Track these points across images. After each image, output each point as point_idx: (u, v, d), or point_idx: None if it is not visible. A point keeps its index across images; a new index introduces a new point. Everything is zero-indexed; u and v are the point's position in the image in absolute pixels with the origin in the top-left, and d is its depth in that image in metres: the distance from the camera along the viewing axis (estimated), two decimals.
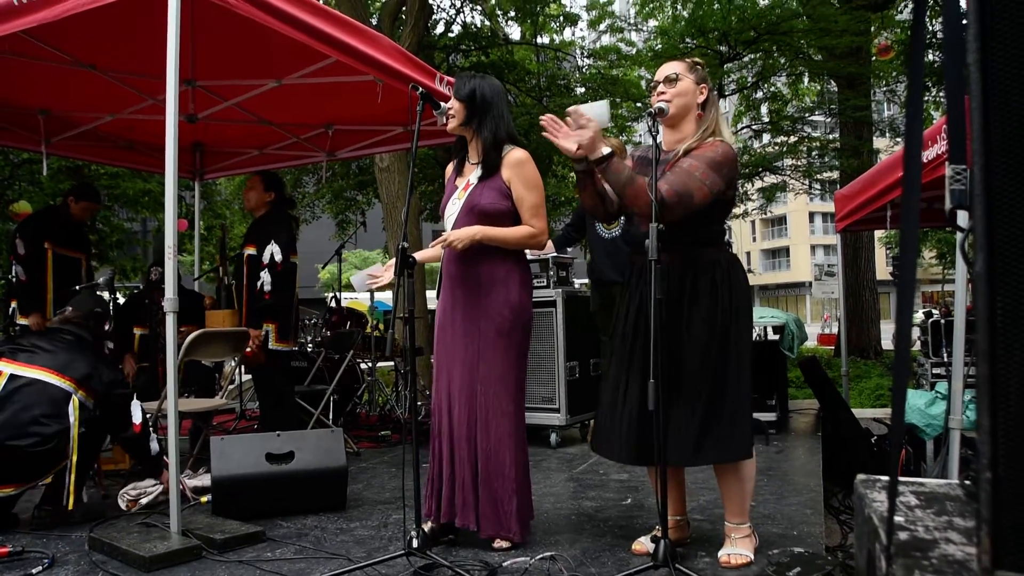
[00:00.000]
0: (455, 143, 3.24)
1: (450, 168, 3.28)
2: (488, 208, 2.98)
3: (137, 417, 3.64)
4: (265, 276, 4.59)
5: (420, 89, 2.91)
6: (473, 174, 3.09)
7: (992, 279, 1.02)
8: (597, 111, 2.64)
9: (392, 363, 6.97)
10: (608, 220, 2.91)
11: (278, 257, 4.59)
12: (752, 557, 2.68)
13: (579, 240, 6.77)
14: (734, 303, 2.68)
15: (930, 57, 12.97)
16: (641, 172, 2.68)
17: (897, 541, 1.23)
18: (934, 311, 5.96)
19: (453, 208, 3.08)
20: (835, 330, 19.29)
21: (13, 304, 5.09)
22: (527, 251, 3.21)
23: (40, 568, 2.83)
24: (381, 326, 6.81)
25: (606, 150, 2.58)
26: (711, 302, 2.66)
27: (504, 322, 2.97)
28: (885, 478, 1.65)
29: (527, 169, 3.02)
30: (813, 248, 50.31)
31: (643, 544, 2.84)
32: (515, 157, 3.03)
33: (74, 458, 3.30)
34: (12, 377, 3.33)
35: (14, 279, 5.11)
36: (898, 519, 1.35)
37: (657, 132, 2.60)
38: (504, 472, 2.94)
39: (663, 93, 2.72)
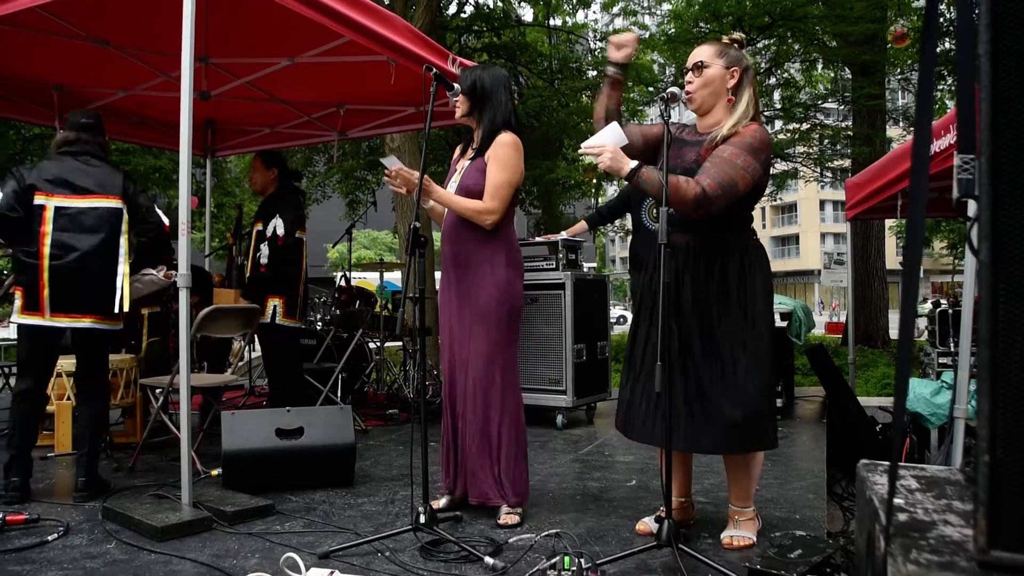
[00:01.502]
0: (464, 128, 3.35)
1: (457, 152, 3.39)
2: (472, 187, 3.09)
3: (165, 219, 3.89)
4: (264, 249, 4.63)
5: (434, 70, 2.93)
6: (468, 159, 3.22)
7: (995, 267, 1.04)
8: (607, 137, 2.69)
9: (400, 343, 7.02)
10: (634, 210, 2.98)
11: (280, 231, 4.62)
12: (755, 539, 2.71)
13: (610, 222, 6.86)
14: (760, 289, 2.69)
15: (946, 45, 12.85)
16: (675, 155, 2.69)
17: (896, 522, 1.26)
18: (942, 301, 5.96)
19: (450, 190, 3.18)
20: (843, 319, 19.28)
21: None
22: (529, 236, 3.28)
23: (55, 536, 2.89)
24: (390, 305, 6.84)
25: (632, 165, 2.61)
26: (738, 286, 2.67)
27: (490, 300, 3.06)
28: (886, 463, 1.68)
29: (505, 150, 3.08)
30: (823, 236, 50.05)
31: (647, 524, 2.88)
32: (500, 139, 3.11)
33: (125, 268, 3.56)
34: (58, 209, 3.49)
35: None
36: (898, 501, 1.37)
37: (669, 116, 2.60)
38: (492, 442, 3.07)
39: (690, 83, 2.72)
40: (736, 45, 2.78)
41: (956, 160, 1.21)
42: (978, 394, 1.07)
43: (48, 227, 3.45)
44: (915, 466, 1.64)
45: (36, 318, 3.43)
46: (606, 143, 2.63)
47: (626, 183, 2.77)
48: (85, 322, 3.48)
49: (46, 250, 3.43)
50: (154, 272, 4.18)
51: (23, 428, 3.46)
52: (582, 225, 5.87)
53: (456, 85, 3.11)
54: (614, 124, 2.74)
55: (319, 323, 6.30)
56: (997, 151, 1.02)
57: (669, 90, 2.68)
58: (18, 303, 3.45)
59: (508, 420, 3.09)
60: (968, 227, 1.24)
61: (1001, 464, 1.03)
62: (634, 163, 2.61)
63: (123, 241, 3.58)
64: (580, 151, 2.69)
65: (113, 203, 3.58)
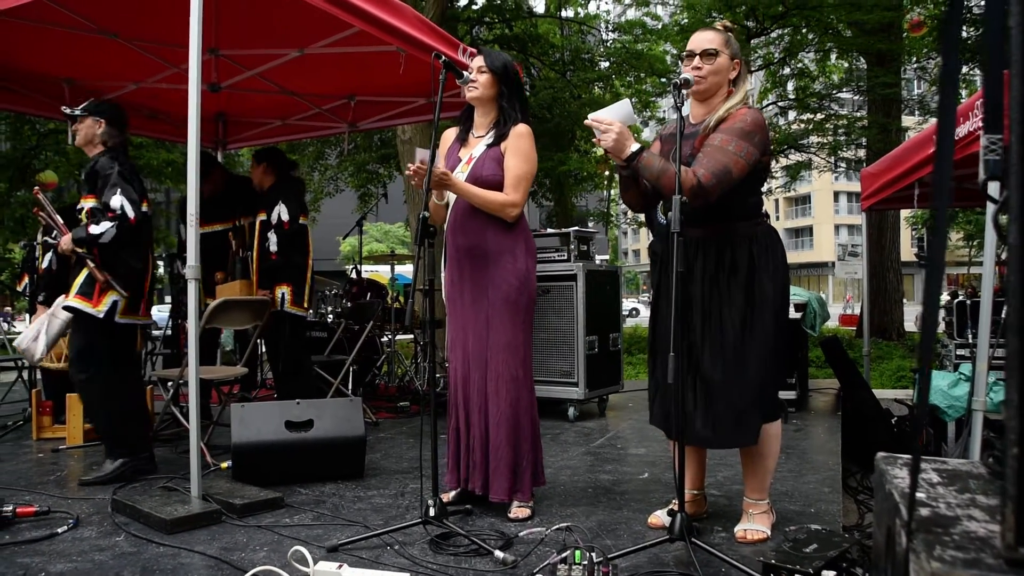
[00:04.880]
0: (462, 114, 3.23)
1: (449, 137, 3.25)
2: (489, 179, 3.00)
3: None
4: (272, 237, 4.64)
5: (444, 58, 2.88)
6: (477, 147, 3.09)
7: None
8: (617, 112, 2.61)
9: (411, 335, 7.00)
10: (647, 208, 2.90)
11: (285, 217, 4.63)
12: (769, 533, 2.67)
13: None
14: (771, 277, 2.64)
15: (964, 33, 12.66)
16: (668, 148, 2.65)
17: (918, 517, 1.21)
18: (960, 292, 5.88)
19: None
20: (857, 311, 19.12)
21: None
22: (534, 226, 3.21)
23: (65, 528, 2.88)
24: (401, 298, 6.82)
25: (634, 148, 2.56)
26: (748, 276, 2.62)
27: (512, 290, 2.99)
28: (906, 456, 1.64)
29: (523, 141, 3.03)
30: (837, 228, 49.73)
31: (659, 518, 2.84)
32: (517, 130, 3.05)
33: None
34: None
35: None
36: (920, 496, 1.33)
37: (682, 103, 2.55)
38: (514, 437, 2.99)
39: (699, 68, 2.65)
40: (732, 38, 2.74)
41: (983, 140, 1.16)
42: (1006, 384, 1.02)
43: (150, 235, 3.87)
44: (936, 459, 1.59)
45: (142, 318, 3.82)
46: (615, 120, 2.57)
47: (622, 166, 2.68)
48: (148, 319, 3.96)
49: (151, 252, 3.87)
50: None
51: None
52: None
53: (465, 73, 3.06)
54: (626, 101, 2.69)
55: (330, 315, 6.29)
56: None
57: (682, 76, 2.62)
58: (121, 304, 3.65)
59: (529, 414, 3.04)
60: (993, 211, 1.19)
61: None
62: (636, 146, 2.56)
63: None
64: (588, 121, 2.60)
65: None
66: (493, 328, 3.00)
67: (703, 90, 2.68)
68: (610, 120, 2.56)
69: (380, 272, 13.10)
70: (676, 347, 2.35)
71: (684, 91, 2.61)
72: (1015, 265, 1.00)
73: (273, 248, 4.62)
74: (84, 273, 3.62)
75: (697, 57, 2.66)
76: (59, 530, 2.86)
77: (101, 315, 3.58)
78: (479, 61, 3.06)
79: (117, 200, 3.56)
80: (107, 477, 3.58)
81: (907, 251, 19.84)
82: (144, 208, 3.65)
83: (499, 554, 2.45)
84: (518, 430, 3.00)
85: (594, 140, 2.64)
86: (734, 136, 2.54)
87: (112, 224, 3.54)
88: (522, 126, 3.05)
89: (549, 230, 5.65)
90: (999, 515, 1.15)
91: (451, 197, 3.08)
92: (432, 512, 2.70)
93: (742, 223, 2.67)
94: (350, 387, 5.73)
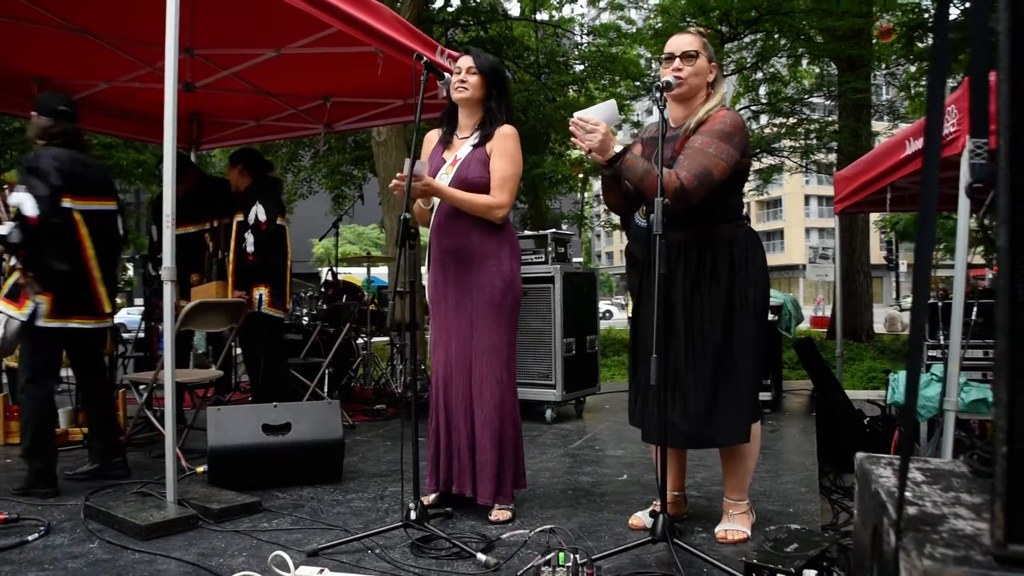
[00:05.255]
0: (444, 115, 3.20)
1: (432, 139, 3.22)
2: (475, 181, 2.99)
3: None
4: (249, 237, 4.60)
5: (425, 58, 2.87)
6: (462, 149, 3.08)
7: (1015, 253, 1.01)
8: (604, 112, 2.61)
9: (387, 337, 6.96)
10: (627, 212, 2.90)
11: (262, 217, 4.59)
12: (749, 533, 2.69)
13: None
14: (751, 280, 2.66)
15: (931, 40, 12.88)
16: (650, 151, 2.66)
17: (905, 516, 1.23)
18: (931, 294, 5.98)
19: (442, 182, 3.04)
20: (827, 313, 19.37)
21: None
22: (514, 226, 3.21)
23: (36, 535, 2.82)
24: (376, 301, 6.78)
25: (618, 149, 2.56)
26: (729, 279, 2.64)
27: (496, 292, 2.99)
28: (889, 455, 1.66)
29: (509, 143, 3.03)
30: (808, 231, 50.30)
31: (640, 519, 2.85)
32: (502, 131, 3.05)
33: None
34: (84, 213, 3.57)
35: None
36: (906, 495, 1.35)
37: (664, 106, 2.56)
38: (499, 439, 2.98)
39: (680, 70, 2.66)
40: (708, 43, 2.76)
41: (968, 144, 1.19)
42: (996, 384, 1.03)
43: (84, 230, 3.53)
44: (918, 459, 1.61)
45: (75, 321, 3.51)
46: (601, 120, 2.57)
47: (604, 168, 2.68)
48: (108, 322, 3.71)
49: (91, 252, 3.55)
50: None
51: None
52: None
53: (446, 75, 3.05)
54: (612, 102, 2.69)
55: (305, 318, 6.23)
56: (1018, 133, 0.99)
57: (664, 79, 2.64)
58: (44, 308, 3.41)
59: (512, 417, 3.04)
60: (981, 213, 1.21)
61: (1020, 455, 1.00)
62: (620, 147, 2.57)
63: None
64: (573, 120, 2.59)
65: (113, 206, 3.72)
66: (477, 330, 2.99)
67: (683, 92, 2.69)
68: (596, 120, 2.56)
69: (354, 274, 13.02)
70: (658, 349, 2.36)
71: (665, 94, 2.62)
72: (1004, 267, 1.01)
73: (250, 249, 4.57)
74: (15, 274, 3.46)
75: (677, 59, 2.67)
76: (30, 538, 2.80)
77: (24, 318, 3.39)
78: (468, 62, 3.04)
79: (16, 198, 3.34)
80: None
81: (876, 255, 20.15)
82: (69, 204, 3.44)
83: (481, 557, 2.44)
84: (503, 433, 2.99)
85: (572, 141, 2.63)
86: (715, 138, 2.56)
87: (14, 224, 3.32)
88: (507, 127, 3.05)
89: (527, 232, 5.65)
90: (987, 513, 1.17)
91: (436, 200, 3.06)
92: (413, 515, 2.69)
93: (723, 225, 2.69)
94: (326, 390, 5.68)
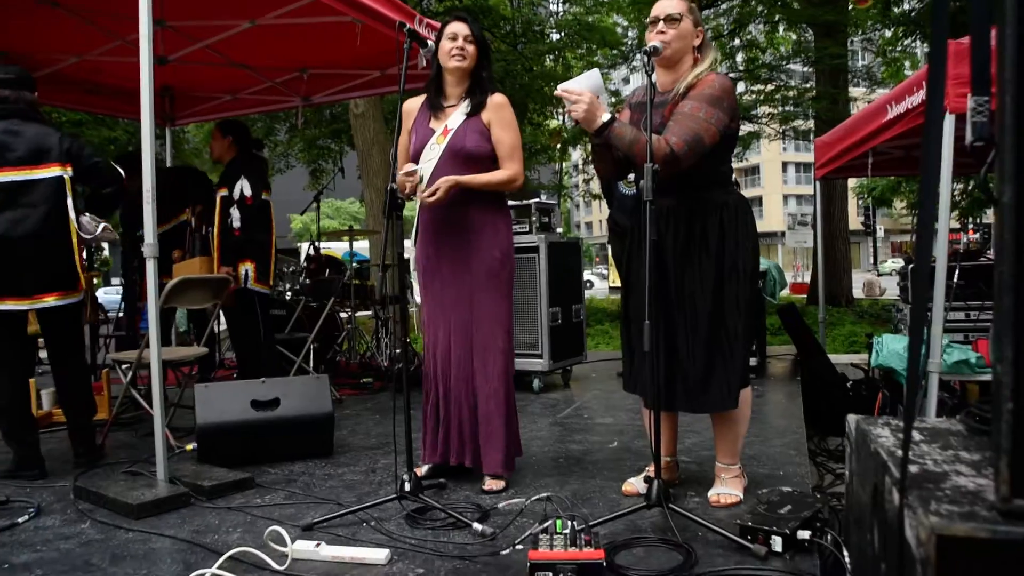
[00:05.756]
0: (429, 83, 3.12)
1: (413, 107, 3.13)
2: (474, 151, 2.97)
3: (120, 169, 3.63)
4: (234, 212, 4.54)
5: (407, 27, 2.82)
6: (452, 118, 3.02)
7: (1020, 210, 1.01)
8: (588, 82, 2.58)
9: (371, 311, 6.93)
10: (617, 177, 2.88)
11: (248, 192, 4.53)
12: (741, 496, 2.72)
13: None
14: (741, 246, 2.66)
15: (906, 5, 12.91)
16: (638, 117, 2.64)
17: (908, 474, 1.24)
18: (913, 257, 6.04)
19: (432, 153, 3.00)
20: (806, 279, 19.55)
21: None
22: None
23: (27, 517, 2.79)
24: (356, 276, 6.73)
25: (606, 117, 2.54)
26: (719, 245, 2.64)
27: (495, 263, 3.00)
28: (884, 417, 1.67)
29: (507, 112, 3.03)
30: (786, 198, 50.58)
31: (633, 485, 2.87)
32: (496, 100, 3.03)
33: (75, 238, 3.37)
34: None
35: None
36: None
37: (652, 71, 2.54)
38: (502, 409, 3.01)
39: (663, 32, 2.63)
40: (695, 8, 2.73)
41: (970, 102, 1.18)
42: (1000, 341, 1.04)
43: None
44: (916, 418, 1.63)
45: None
46: (585, 90, 2.55)
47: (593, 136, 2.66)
48: (49, 300, 3.33)
49: None
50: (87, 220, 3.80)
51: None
52: None
53: (430, 43, 3.00)
54: (595, 71, 2.67)
55: (288, 293, 6.19)
56: (1023, 89, 0.98)
57: (651, 44, 2.61)
58: None
59: (511, 386, 3.08)
60: (983, 171, 1.21)
61: None
62: (607, 116, 2.55)
63: (70, 208, 3.38)
64: (557, 92, 2.57)
65: (51, 172, 3.34)
66: (478, 301, 2.99)
67: (668, 56, 2.66)
68: (580, 91, 2.53)
69: (334, 249, 12.92)
70: (651, 316, 2.36)
71: (653, 59, 2.60)
72: (1010, 225, 1.01)
73: (236, 224, 4.51)
74: None
75: (661, 22, 2.65)
76: (20, 520, 2.77)
77: None
78: (464, 29, 2.98)
79: None
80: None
81: (854, 220, 20.31)
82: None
83: (477, 526, 2.45)
84: (508, 402, 3.03)
85: (567, 110, 2.61)
86: (704, 103, 2.55)
87: None
88: (500, 96, 3.03)
89: (510, 202, 5.60)
90: (988, 469, 1.19)
91: (425, 172, 2.98)
92: (407, 487, 2.69)
93: (713, 191, 2.68)
94: (311, 365, 5.66)
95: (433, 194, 2.86)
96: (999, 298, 1.06)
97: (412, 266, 3.14)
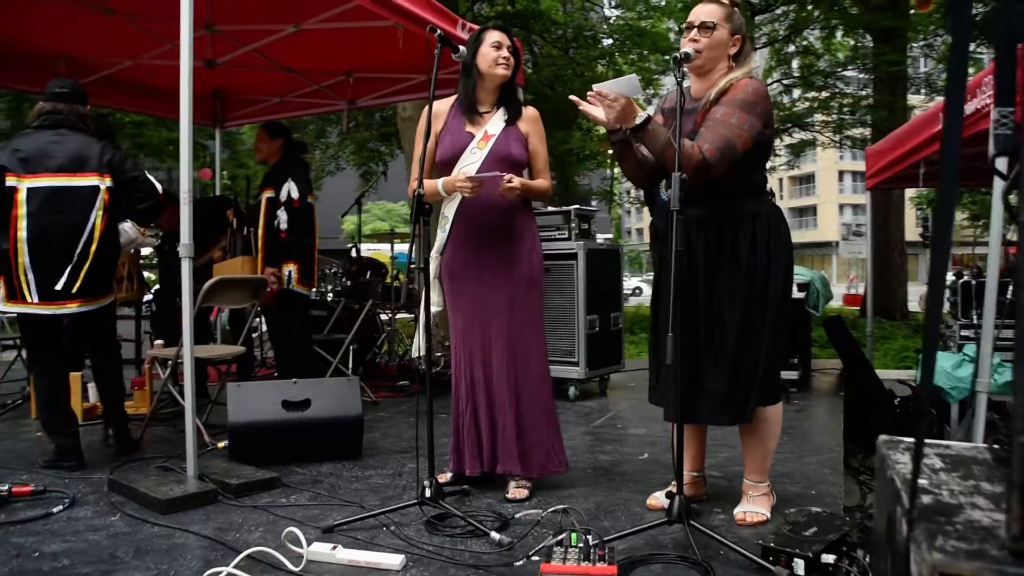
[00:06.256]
0: (461, 89, 3.09)
1: (443, 110, 3.10)
2: (518, 158, 3.05)
3: (158, 185, 3.70)
4: (281, 215, 4.59)
5: (438, 31, 2.81)
6: (492, 124, 3.03)
7: None
8: (624, 87, 2.51)
9: (412, 314, 6.96)
10: (650, 185, 2.82)
11: (295, 194, 4.59)
12: (768, 515, 2.65)
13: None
14: (774, 257, 2.58)
15: (972, 9, 12.45)
16: (670, 122, 2.58)
17: (920, 505, 1.18)
18: (964, 272, 5.82)
19: (473, 157, 2.99)
20: (861, 291, 19.06)
21: None
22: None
23: (61, 507, 2.87)
24: (401, 276, 6.77)
25: (642, 117, 2.49)
26: (750, 256, 2.57)
27: (534, 268, 3.08)
28: (909, 439, 1.60)
29: (541, 126, 3.17)
30: (841, 207, 49.42)
31: (657, 499, 2.82)
32: (533, 113, 3.15)
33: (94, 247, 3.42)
34: (31, 189, 3.35)
35: None
36: (921, 482, 1.29)
37: (683, 78, 2.48)
38: (546, 411, 3.06)
39: (696, 40, 2.58)
40: (736, 13, 2.65)
41: (993, 114, 1.11)
42: (1014, 367, 0.98)
43: (22, 210, 3.33)
44: (939, 443, 1.55)
45: (22, 306, 3.37)
46: (620, 95, 2.50)
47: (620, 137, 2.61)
48: (71, 307, 3.41)
49: (22, 234, 3.31)
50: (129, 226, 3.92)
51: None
52: None
53: (461, 48, 2.99)
54: (633, 76, 2.62)
55: (330, 294, 6.26)
56: None
57: (682, 50, 2.56)
58: (1, 292, 3.38)
59: (550, 387, 3.14)
60: (1004, 187, 1.14)
61: None
62: (644, 116, 2.50)
63: (96, 219, 3.43)
64: (591, 92, 2.51)
65: (88, 180, 3.43)
66: (519, 305, 3.03)
67: (700, 64, 2.60)
68: (616, 92, 2.48)
69: (381, 251, 13.05)
70: (675, 327, 2.31)
71: (684, 66, 2.55)
72: None
73: (284, 226, 4.57)
74: None
75: (695, 29, 2.59)
76: (54, 510, 2.85)
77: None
78: (507, 40, 3.04)
79: None
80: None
81: (912, 231, 19.73)
82: (14, 182, 3.33)
83: (495, 535, 2.42)
84: (546, 405, 3.08)
85: (581, 108, 2.57)
86: (736, 108, 2.48)
87: None
88: (534, 110, 3.17)
89: (550, 208, 5.58)
90: (1005, 504, 1.12)
91: (467, 171, 2.95)
92: (428, 493, 2.68)
93: (746, 200, 2.61)
94: (350, 366, 5.71)
95: (508, 184, 2.86)
96: (1019, 321, 1.00)
97: (434, 274, 3.11)
